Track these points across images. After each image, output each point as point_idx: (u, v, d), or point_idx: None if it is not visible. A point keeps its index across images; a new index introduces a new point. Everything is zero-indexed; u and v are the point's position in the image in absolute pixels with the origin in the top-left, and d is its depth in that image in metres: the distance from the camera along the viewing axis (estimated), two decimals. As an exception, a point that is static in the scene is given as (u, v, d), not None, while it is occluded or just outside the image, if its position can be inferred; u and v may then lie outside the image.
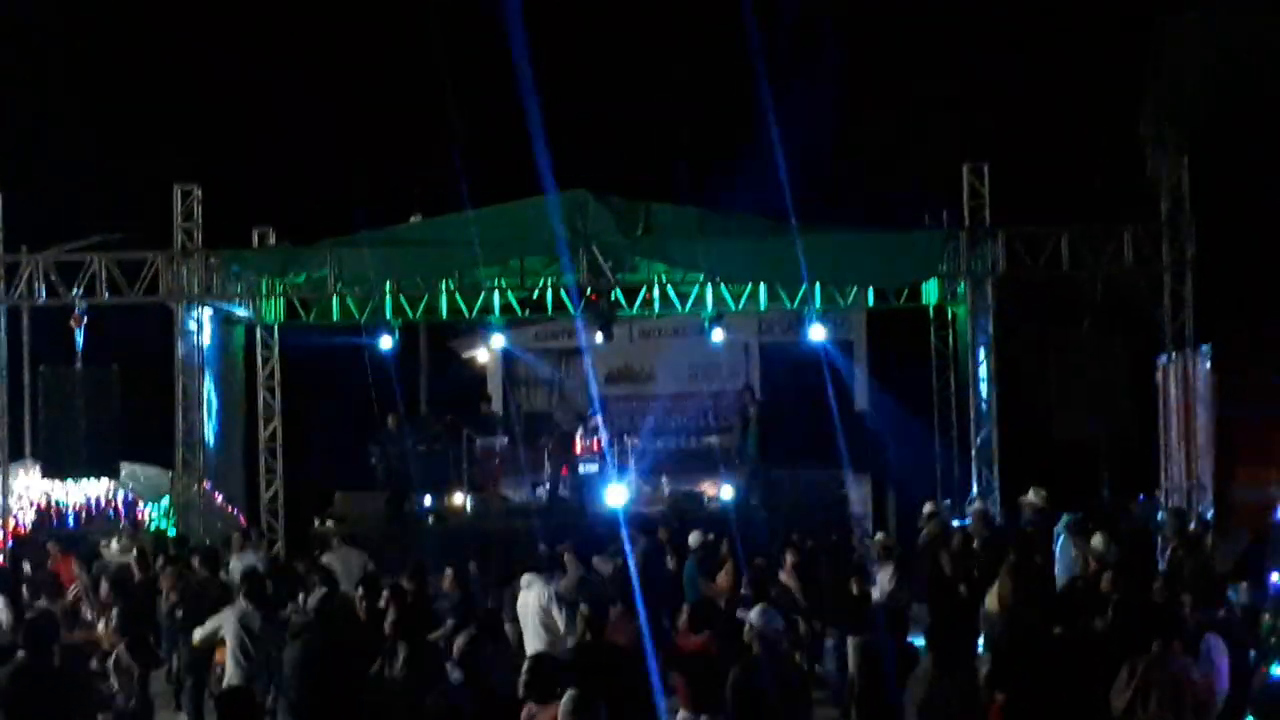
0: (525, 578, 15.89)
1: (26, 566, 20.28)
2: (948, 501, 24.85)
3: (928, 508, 22.07)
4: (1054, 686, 11.02)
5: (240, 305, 26.41)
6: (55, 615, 14.73)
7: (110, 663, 15.31)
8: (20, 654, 11.44)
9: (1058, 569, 18.05)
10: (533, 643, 14.96)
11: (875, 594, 16.97)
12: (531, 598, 15.37)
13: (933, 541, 19.91)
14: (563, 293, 25.32)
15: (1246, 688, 12.06)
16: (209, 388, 25.08)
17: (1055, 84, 30.01)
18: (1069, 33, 29.93)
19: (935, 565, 18.69)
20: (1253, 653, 13.16)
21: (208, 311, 25.05)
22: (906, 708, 10.66)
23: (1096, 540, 17.78)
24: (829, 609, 17.22)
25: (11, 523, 24.40)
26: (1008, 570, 15.78)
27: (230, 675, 14.40)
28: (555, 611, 15.11)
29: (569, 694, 9.33)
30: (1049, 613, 12.64)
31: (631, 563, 17.08)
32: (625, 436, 26.69)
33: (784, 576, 17.63)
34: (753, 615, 12.09)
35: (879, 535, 20.98)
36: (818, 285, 25.66)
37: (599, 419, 25.62)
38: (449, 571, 17.47)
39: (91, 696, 11.89)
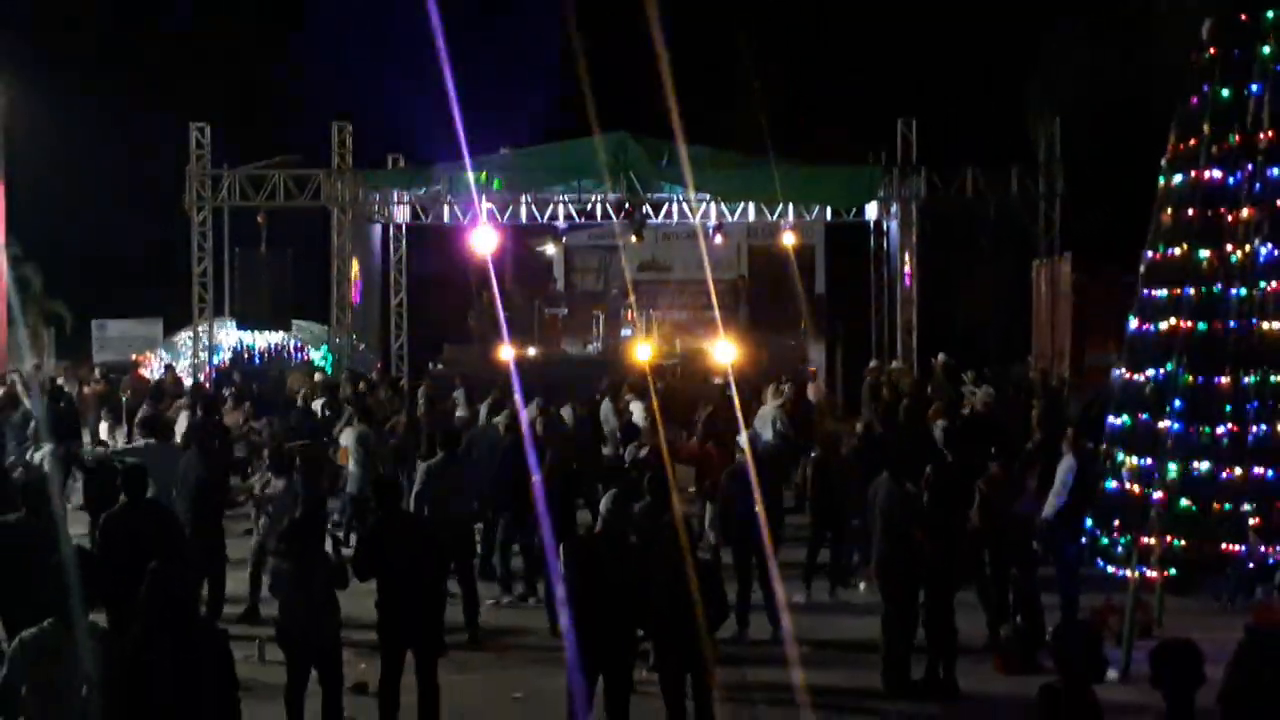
0: (627, 397, 17.19)
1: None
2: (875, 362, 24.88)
3: (872, 363, 22.75)
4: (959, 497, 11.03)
5: (378, 209, 27.36)
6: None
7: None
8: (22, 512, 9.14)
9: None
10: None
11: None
12: (637, 412, 16.95)
13: (874, 384, 20.35)
14: (608, 206, 25.37)
15: (1088, 502, 12.50)
16: (356, 268, 25.96)
17: (970, 61, 29.60)
18: (986, 21, 29.40)
19: (879, 400, 19.13)
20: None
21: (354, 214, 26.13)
22: (870, 509, 10.92)
23: (983, 391, 18.60)
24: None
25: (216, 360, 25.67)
26: (936, 409, 16.26)
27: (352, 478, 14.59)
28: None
29: (610, 492, 9.26)
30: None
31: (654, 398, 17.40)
32: (651, 310, 26.78)
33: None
34: (740, 438, 13.37)
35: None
36: (790, 204, 25.99)
37: (633, 297, 25.71)
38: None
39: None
